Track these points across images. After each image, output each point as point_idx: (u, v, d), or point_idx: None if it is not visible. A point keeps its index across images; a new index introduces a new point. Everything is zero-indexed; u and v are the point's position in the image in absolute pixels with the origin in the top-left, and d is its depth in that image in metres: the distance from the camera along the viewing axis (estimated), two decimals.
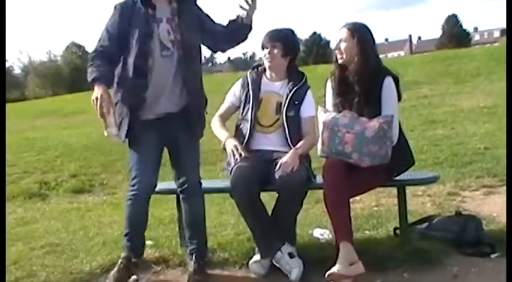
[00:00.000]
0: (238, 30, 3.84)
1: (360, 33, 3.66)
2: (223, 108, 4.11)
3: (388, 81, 3.62)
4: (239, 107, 4.04)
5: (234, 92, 4.08)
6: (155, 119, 3.67)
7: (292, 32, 4.07)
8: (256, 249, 3.78)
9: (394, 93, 3.64)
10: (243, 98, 4.01)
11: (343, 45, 3.66)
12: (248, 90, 3.99)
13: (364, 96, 3.60)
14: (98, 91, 3.44)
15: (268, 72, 4.02)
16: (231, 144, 3.84)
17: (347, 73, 3.68)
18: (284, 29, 4.07)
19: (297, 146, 3.76)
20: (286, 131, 3.83)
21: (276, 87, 3.97)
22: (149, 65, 3.57)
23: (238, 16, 3.82)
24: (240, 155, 3.74)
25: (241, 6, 3.76)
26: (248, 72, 4.12)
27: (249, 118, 3.91)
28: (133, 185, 3.71)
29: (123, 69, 3.62)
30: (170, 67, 3.62)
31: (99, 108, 3.41)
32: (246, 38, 3.90)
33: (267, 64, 3.98)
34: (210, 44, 3.88)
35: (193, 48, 3.70)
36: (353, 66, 3.64)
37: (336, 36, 3.72)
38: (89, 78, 3.53)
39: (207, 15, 3.84)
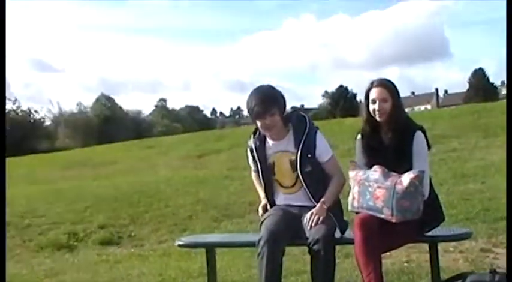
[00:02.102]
0: None
1: (394, 90, 3.68)
2: (252, 168, 4.06)
3: (419, 135, 3.62)
4: None
5: (250, 160, 4.02)
6: None
7: (273, 88, 3.89)
8: None
9: (425, 148, 3.63)
10: (254, 165, 3.97)
11: (384, 105, 3.63)
12: (254, 157, 3.93)
13: (395, 151, 3.60)
14: None
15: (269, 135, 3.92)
16: (262, 205, 3.93)
17: (379, 129, 3.69)
18: (266, 88, 3.87)
19: (323, 198, 3.73)
20: (307, 190, 3.79)
21: (283, 146, 3.87)
22: None
23: None
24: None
25: None
26: (251, 140, 3.97)
27: (265, 185, 3.92)
28: None
29: None
30: None
31: None
32: None
33: (268, 133, 3.85)
34: None
35: None
36: (386, 123, 3.65)
37: (371, 94, 3.67)
38: None
39: None
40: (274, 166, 3.88)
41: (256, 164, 3.91)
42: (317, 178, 3.81)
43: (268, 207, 3.89)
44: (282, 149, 3.87)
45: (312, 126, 3.87)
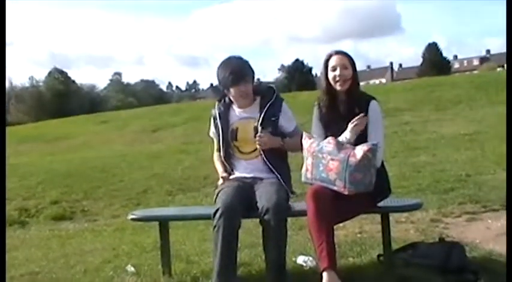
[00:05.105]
0: None
1: (352, 60, 3.71)
2: (215, 143, 4.08)
3: (374, 104, 3.66)
4: None
5: (212, 128, 4.06)
6: None
7: (242, 58, 3.99)
8: None
9: (380, 117, 3.67)
10: (216, 131, 4.00)
11: (345, 72, 3.66)
12: (217, 123, 3.97)
13: (351, 121, 3.61)
14: None
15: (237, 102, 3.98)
16: (223, 176, 3.91)
17: (337, 99, 3.71)
18: (239, 58, 3.97)
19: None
20: (263, 155, 3.82)
21: (249, 113, 3.94)
22: None
23: None
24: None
25: None
26: (215, 107, 4.03)
27: (224, 152, 3.94)
28: None
29: None
30: None
31: None
32: None
33: (242, 102, 3.93)
34: None
35: None
36: (345, 92, 3.67)
37: (331, 62, 3.68)
38: None
39: None
40: (238, 131, 3.92)
41: (218, 130, 3.94)
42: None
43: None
44: (247, 116, 3.94)
45: (279, 96, 3.97)
